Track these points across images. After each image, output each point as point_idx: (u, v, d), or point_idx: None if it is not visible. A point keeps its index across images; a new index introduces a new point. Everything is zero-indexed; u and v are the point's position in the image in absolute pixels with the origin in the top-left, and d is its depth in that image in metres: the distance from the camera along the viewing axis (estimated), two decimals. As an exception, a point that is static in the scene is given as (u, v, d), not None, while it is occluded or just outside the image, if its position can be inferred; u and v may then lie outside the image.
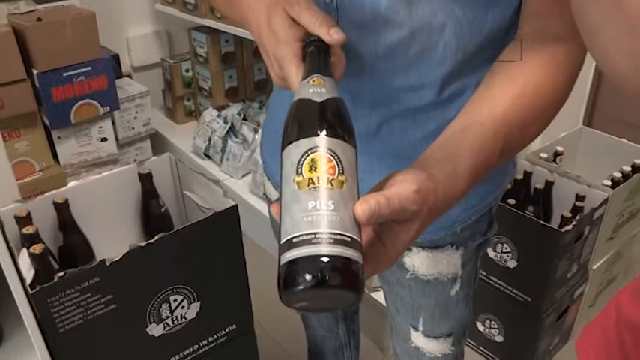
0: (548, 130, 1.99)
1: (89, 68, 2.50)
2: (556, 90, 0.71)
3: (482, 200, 0.92)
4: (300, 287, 0.49)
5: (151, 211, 1.28)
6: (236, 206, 1.09)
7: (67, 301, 0.93)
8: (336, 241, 0.50)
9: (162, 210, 1.29)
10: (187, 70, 3.18)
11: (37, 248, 0.99)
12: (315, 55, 0.65)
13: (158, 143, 3.17)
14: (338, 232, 0.50)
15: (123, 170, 1.23)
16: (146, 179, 1.24)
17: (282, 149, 0.58)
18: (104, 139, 2.75)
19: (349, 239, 0.51)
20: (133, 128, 2.92)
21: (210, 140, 2.78)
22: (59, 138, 2.60)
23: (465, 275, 1.00)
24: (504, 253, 1.81)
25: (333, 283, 0.49)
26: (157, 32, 3.35)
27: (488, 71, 0.74)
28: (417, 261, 0.96)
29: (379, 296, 1.95)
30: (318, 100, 0.58)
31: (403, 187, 0.55)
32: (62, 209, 1.15)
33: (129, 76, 3.13)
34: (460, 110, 0.70)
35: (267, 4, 0.71)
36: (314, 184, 0.52)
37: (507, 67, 0.72)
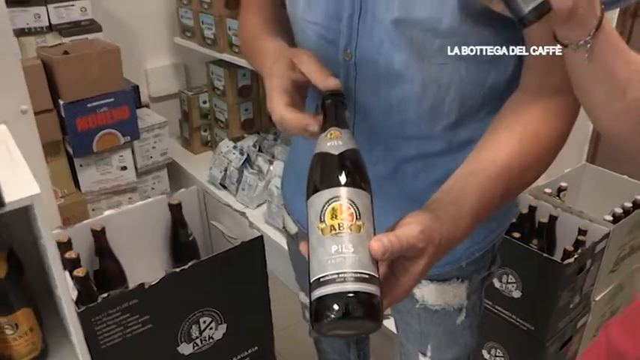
0: (553, 166, 2.07)
1: (112, 99, 2.62)
2: (554, 138, 0.80)
3: (485, 238, 1.02)
4: (330, 320, 0.58)
5: (180, 239, 1.37)
6: (261, 237, 1.18)
7: (109, 321, 1.02)
8: (357, 279, 0.59)
9: (190, 238, 1.38)
10: (204, 102, 3.29)
11: (80, 272, 1.08)
12: (332, 108, 0.75)
13: (175, 172, 3.27)
14: (358, 270, 0.59)
15: (154, 200, 1.33)
16: (176, 209, 1.33)
17: (307, 198, 0.67)
18: (124, 168, 2.85)
19: (368, 276, 0.60)
20: (151, 157, 3.02)
21: (226, 170, 2.88)
22: (81, 166, 2.71)
23: (470, 306, 1.09)
24: (509, 283, 1.89)
25: (357, 315, 0.58)
26: (175, 64, 3.48)
27: (492, 120, 0.83)
28: (426, 292, 1.05)
29: (389, 323, 2.01)
30: (336, 153, 0.68)
31: (411, 228, 0.65)
32: (99, 236, 1.25)
33: (147, 106, 3.23)
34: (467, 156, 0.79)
35: (277, 54, 0.84)
36: (335, 230, 0.61)
37: (510, 117, 0.81)
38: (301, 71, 0.79)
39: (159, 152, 3.05)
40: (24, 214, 0.84)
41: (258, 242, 1.18)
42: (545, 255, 1.78)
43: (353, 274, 0.59)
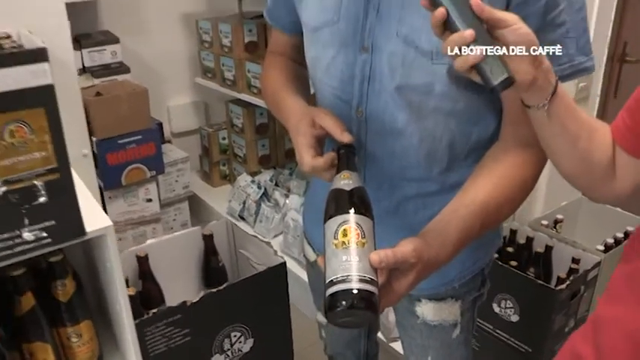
0: (550, 199, 2.27)
1: (140, 137, 2.81)
2: (524, 182, 0.99)
3: (473, 264, 1.20)
4: (339, 310, 0.77)
5: (211, 265, 1.56)
6: (284, 262, 1.37)
7: (156, 332, 1.20)
8: (360, 280, 0.78)
9: (220, 264, 1.57)
10: (224, 138, 3.50)
11: (131, 291, 1.27)
12: (345, 156, 0.95)
13: (195, 204, 3.45)
14: (361, 274, 0.78)
15: (190, 231, 1.52)
16: (208, 239, 1.52)
17: (324, 222, 0.87)
18: (149, 200, 3.03)
19: (368, 279, 0.79)
20: (173, 190, 3.21)
21: (244, 203, 3.07)
22: (110, 197, 2.89)
23: (464, 322, 1.26)
24: (508, 308, 2.05)
25: (359, 307, 0.77)
26: (195, 102, 3.69)
27: (476, 166, 1.02)
28: (426, 310, 1.23)
29: (397, 346, 2.19)
30: (347, 189, 0.88)
31: (405, 246, 0.84)
32: (143, 262, 1.44)
33: (169, 141, 3.43)
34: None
35: (301, 113, 1.04)
36: (345, 245, 0.81)
37: (491, 163, 1.00)
38: (321, 126, 0.98)
39: (181, 185, 3.24)
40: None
41: (282, 268, 1.37)
42: (539, 282, 1.94)
43: (357, 276, 0.78)
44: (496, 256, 2.12)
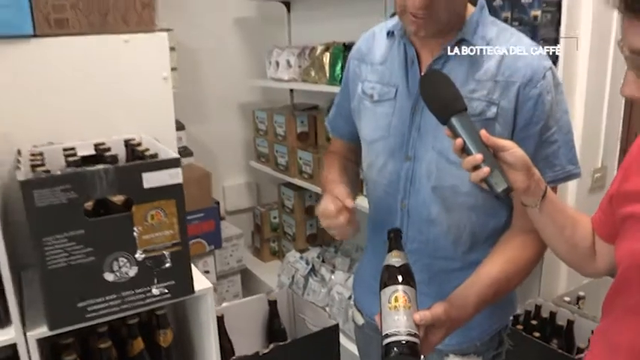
0: (572, 278, 2.52)
1: (202, 214, 3.15)
2: (528, 261, 1.28)
3: (490, 327, 1.45)
4: (392, 356, 1.05)
5: (274, 326, 1.85)
6: (337, 324, 1.65)
7: (234, 376, 1.49)
8: (407, 334, 1.06)
9: (282, 327, 1.86)
10: (275, 218, 3.83)
11: (214, 343, 1.56)
12: (394, 238, 1.23)
13: (246, 277, 3.75)
14: (408, 329, 1.07)
15: (257, 297, 1.83)
16: (272, 304, 1.82)
17: (380, 289, 1.15)
18: (206, 272, 3.32)
19: (413, 333, 1.07)
20: (228, 264, 3.52)
21: (293, 278, 3.34)
22: (173, 269, 3.20)
23: None
24: (532, 376, 2.27)
25: (406, 353, 1.05)
26: (249, 183, 4.05)
27: (492, 248, 1.31)
28: None
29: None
30: (397, 265, 1.16)
31: (437, 308, 1.12)
32: (219, 321, 1.73)
33: (223, 218, 3.75)
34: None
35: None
36: (397, 308, 1.09)
37: (503, 245, 1.29)
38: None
39: (235, 260, 3.55)
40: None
41: (335, 328, 1.65)
42: (560, 351, 2.16)
43: (405, 331, 1.06)
44: (521, 327, 2.35)
